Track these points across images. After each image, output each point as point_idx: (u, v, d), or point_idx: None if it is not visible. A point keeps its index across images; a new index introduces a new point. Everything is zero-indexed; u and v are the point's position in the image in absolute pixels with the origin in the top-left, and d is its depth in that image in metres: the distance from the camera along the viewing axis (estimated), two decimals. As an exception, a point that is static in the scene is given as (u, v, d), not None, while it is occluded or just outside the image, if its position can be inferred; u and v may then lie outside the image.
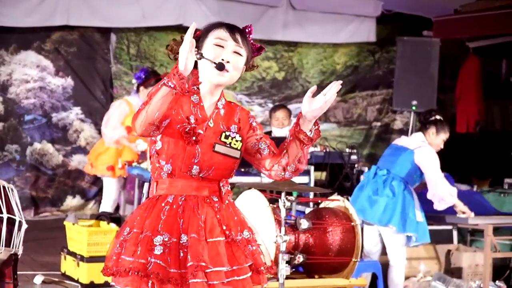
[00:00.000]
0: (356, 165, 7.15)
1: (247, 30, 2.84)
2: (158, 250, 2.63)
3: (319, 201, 5.36)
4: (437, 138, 5.61)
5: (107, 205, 6.82)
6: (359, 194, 5.68)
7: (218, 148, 2.74)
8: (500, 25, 8.53)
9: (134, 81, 6.95)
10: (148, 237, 2.65)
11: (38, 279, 5.58)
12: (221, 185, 2.78)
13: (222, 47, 2.75)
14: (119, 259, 2.65)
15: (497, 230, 5.88)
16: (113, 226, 5.76)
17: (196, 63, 2.78)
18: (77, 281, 5.59)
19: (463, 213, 5.70)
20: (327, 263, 4.69)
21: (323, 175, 7.12)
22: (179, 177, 2.73)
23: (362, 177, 7.10)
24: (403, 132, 10.04)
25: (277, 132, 7.20)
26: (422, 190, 5.73)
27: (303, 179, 6.55)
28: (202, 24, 2.90)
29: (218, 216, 2.74)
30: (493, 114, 10.38)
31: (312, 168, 6.69)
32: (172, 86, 2.52)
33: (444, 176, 5.62)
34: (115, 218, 5.97)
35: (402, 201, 5.45)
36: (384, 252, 5.69)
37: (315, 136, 2.79)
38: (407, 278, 5.83)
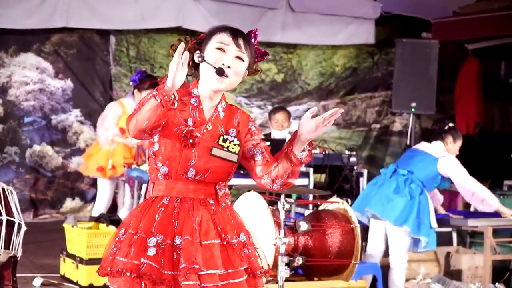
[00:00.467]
0: (355, 167, 7.14)
1: (252, 35, 2.83)
2: (151, 252, 2.62)
3: (319, 203, 5.36)
4: (455, 145, 5.70)
5: (100, 206, 6.86)
6: (373, 189, 5.66)
7: (215, 151, 2.73)
8: (499, 27, 8.53)
9: (130, 82, 7.00)
10: (142, 238, 2.65)
11: (37, 281, 5.56)
12: (217, 188, 2.78)
13: (224, 51, 2.74)
14: (114, 260, 2.65)
15: (497, 232, 5.87)
16: (112, 228, 5.75)
17: (198, 66, 2.79)
18: (76, 283, 5.58)
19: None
20: (327, 265, 4.69)
21: (322, 177, 7.12)
22: (175, 179, 2.73)
23: (361, 179, 7.12)
24: (403, 134, 10.05)
25: (277, 134, 7.19)
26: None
27: (303, 181, 6.54)
28: (201, 26, 2.91)
29: (214, 219, 2.74)
30: (492, 116, 10.37)
31: (311, 170, 6.68)
32: (159, 100, 2.55)
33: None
34: (114, 220, 5.96)
35: (418, 205, 5.47)
36: (385, 254, 5.68)
37: (306, 159, 2.77)
38: (407, 280, 5.82)
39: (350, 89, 10.13)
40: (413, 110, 8.61)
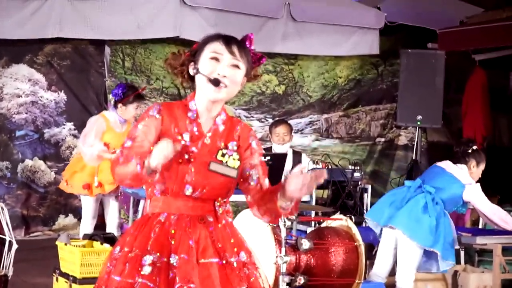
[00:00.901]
0: (359, 183, 7.14)
1: (247, 40, 2.84)
2: (146, 270, 2.63)
3: (321, 220, 5.35)
4: (478, 169, 5.71)
5: (86, 225, 6.76)
6: (396, 201, 5.60)
7: (214, 166, 2.74)
8: (507, 37, 8.54)
9: (110, 96, 6.91)
10: (137, 256, 2.65)
11: (29, 302, 5.54)
12: (217, 204, 2.78)
13: (218, 60, 2.75)
14: (109, 278, 2.66)
15: (507, 250, 5.86)
16: (106, 246, 5.73)
17: (193, 78, 2.80)
18: (69, 304, 5.56)
19: None
20: (330, 284, 4.68)
21: (325, 193, 7.11)
22: (173, 196, 2.74)
23: (366, 195, 7.11)
24: (408, 148, 10.04)
25: (278, 148, 7.20)
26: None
27: (304, 197, 6.53)
28: (199, 36, 2.91)
29: (212, 237, 2.73)
30: (500, 129, 10.37)
31: (313, 185, 6.67)
32: (139, 171, 2.57)
33: None
34: (108, 238, 5.95)
35: (444, 228, 5.45)
36: (391, 273, 5.66)
37: (292, 211, 2.79)
38: (413, 300, 5.80)
39: (353, 101, 10.14)
40: (419, 123, 8.61)
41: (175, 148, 2.57)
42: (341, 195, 6.91)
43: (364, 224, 6.29)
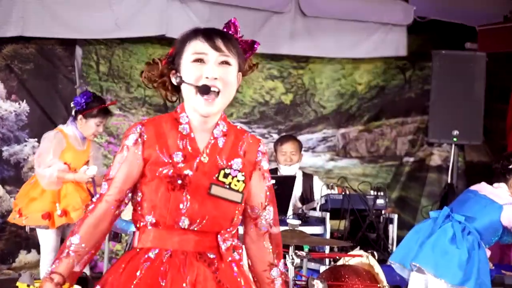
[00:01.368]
0: (383, 212, 7.16)
1: (231, 27, 2.87)
2: None
3: (337, 257, 5.38)
4: None
5: (46, 263, 6.69)
6: (421, 238, 5.63)
7: (216, 190, 2.72)
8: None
9: (72, 104, 6.92)
10: None
11: None
12: (220, 238, 2.76)
13: (203, 61, 2.75)
14: None
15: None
16: (78, 288, 5.76)
17: (179, 87, 2.82)
18: None
19: None
20: (348, 335, 4.71)
21: (341, 224, 7.12)
22: (165, 229, 2.73)
23: (391, 227, 7.13)
24: (442, 169, 10.05)
25: (285, 170, 7.22)
26: None
27: (317, 230, 6.56)
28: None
29: (217, 278, 2.72)
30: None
31: (327, 215, 6.70)
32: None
33: None
34: (80, 278, 5.98)
35: (477, 262, 5.47)
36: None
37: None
38: None
39: (376, 113, 10.16)
40: (455, 139, 8.64)
41: None
42: (361, 226, 6.92)
43: (389, 263, 6.31)
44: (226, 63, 2.77)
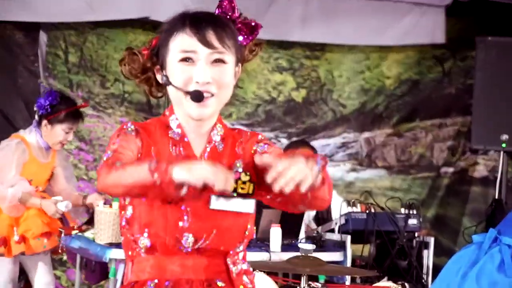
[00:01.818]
0: (416, 234, 7.14)
1: (224, 8, 2.87)
2: None
3: (360, 290, 5.37)
4: None
5: None
6: (462, 266, 5.64)
7: (216, 203, 2.71)
8: None
9: (35, 107, 6.87)
10: None
11: None
12: (229, 261, 2.78)
13: (193, 60, 2.76)
14: None
15: None
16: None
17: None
18: None
19: None
20: None
21: (366, 249, 7.12)
22: (164, 254, 2.75)
23: (426, 252, 7.10)
24: (489, 182, 10.03)
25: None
26: None
27: (335, 256, 6.54)
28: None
29: None
30: None
31: (348, 238, 6.68)
32: (158, 182, 2.50)
33: None
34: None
35: None
36: None
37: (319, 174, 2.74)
38: None
39: (408, 113, 10.16)
40: (504, 145, 8.63)
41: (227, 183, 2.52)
42: (389, 252, 6.91)
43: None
44: (220, 61, 2.78)
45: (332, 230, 7.00)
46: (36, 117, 6.84)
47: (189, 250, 2.74)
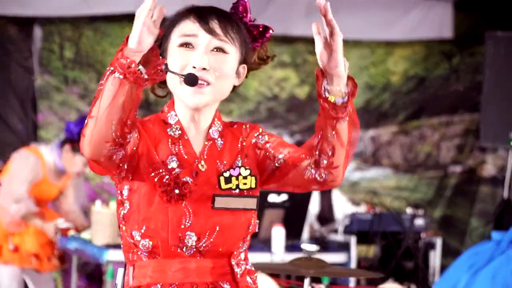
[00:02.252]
0: (422, 235, 7.15)
1: (238, 7, 2.86)
2: None
3: (365, 292, 5.37)
4: None
5: None
6: (476, 262, 5.65)
7: (220, 202, 2.73)
8: None
9: (64, 129, 6.87)
10: None
11: None
12: (233, 261, 2.77)
13: (192, 46, 2.75)
14: None
15: None
16: None
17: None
18: None
19: None
20: None
21: (370, 251, 7.12)
22: (166, 257, 2.73)
23: (433, 253, 7.11)
24: (498, 181, 10.03)
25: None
26: None
27: (339, 257, 6.55)
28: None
29: None
30: None
31: (353, 239, 6.69)
32: (121, 77, 2.49)
33: None
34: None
35: None
36: None
37: (345, 100, 2.76)
38: None
39: (414, 110, 10.18)
40: (513, 143, 8.64)
41: (158, 13, 2.51)
42: (395, 253, 6.92)
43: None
44: (221, 50, 2.77)
45: (336, 231, 7.01)
46: (61, 138, 6.84)
47: (192, 251, 2.73)
